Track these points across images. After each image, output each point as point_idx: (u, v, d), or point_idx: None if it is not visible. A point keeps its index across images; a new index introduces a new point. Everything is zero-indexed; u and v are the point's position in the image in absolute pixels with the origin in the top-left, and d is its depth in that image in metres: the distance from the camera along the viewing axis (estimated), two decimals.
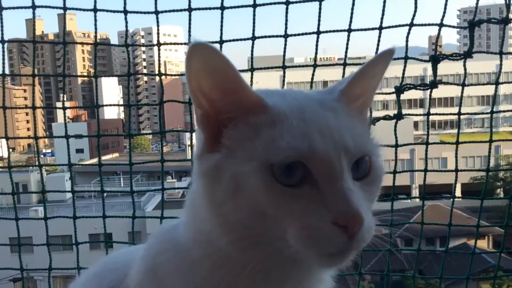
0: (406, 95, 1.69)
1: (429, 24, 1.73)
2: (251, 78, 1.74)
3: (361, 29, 1.77)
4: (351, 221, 0.65)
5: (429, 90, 1.70)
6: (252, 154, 0.69)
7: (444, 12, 1.68)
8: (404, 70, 1.68)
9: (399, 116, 1.66)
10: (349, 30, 1.71)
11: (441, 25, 1.67)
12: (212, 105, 0.72)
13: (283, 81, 1.88)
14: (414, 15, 1.67)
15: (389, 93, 1.71)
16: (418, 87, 1.69)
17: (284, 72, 1.83)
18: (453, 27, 1.79)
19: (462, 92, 1.73)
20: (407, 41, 1.66)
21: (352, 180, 0.69)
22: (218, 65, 0.69)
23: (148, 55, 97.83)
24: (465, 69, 1.71)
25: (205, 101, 0.72)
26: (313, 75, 1.80)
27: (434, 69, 1.64)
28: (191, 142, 1.90)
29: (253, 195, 0.67)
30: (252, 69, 1.76)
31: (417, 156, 38.99)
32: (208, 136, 0.73)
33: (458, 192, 35.82)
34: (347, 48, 1.76)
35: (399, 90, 1.64)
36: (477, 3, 1.66)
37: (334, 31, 1.79)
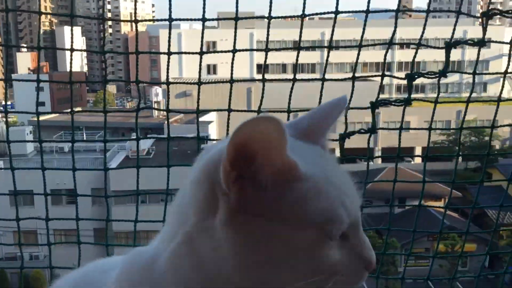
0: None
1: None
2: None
3: None
4: (374, 265, 0.80)
5: (403, 106, 1.74)
6: (306, 222, 0.73)
7: None
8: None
9: (373, 130, 1.71)
10: None
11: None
12: (250, 169, 0.73)
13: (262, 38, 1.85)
14: None
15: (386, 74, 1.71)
16: (394, 103, 1.73)
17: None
18: (431, 47, 1.86)
19: (438, 82, 1.75)
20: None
21: None
22: (277, 136, 0.70)
23: (113, 6, 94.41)
24: (438, 87, 1.75)
25: (245, 165, 0.72)
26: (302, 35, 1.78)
27: (409, 87, 1.68)
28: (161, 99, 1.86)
29: (310, 257, 0.74)
30: (235, 18, 1.72)
31: (381, 119, 39.73)
32: (236, 199, 0.73)
33: (418, 157, 36.88)
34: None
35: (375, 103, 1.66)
36: (454, 26, 1.69)
37: None
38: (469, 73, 1.83)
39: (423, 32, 1.73)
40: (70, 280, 0.94)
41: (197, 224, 0.76)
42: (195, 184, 0.76)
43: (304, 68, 43.76)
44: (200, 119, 1.85)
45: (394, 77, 1.98)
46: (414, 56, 1.79)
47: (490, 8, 1.60)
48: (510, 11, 1.62)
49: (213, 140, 2.25)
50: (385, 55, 1.96)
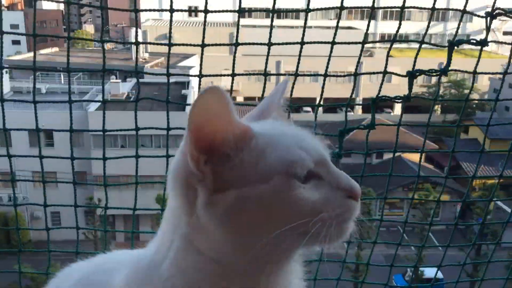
0: None
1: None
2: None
3: None
4: (358, 191, 0.85)
5: (402, 102, 1.75)
6: (271, 170, 0.80)
7: None
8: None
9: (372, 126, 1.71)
10: None
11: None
12: (214, 152, 0.81)
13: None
14: None
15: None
16: (394, 100, 1.72)
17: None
18: (434, 45, 1.81)
19: (439, 80, 1.72)
20: None
21: None
22: (222, 110, 0.78)
23: None
24: (439, 84, 1.72)
25: (209, 149, 0.80)
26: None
27: (410, 85, 1.67)
28: (137, 40, 1.81)
29: (286, 203, 0.80)
30: None
31: (364, 70, 39.66)
32: (211, 180, 0.81)
33: (398, 107, 37.22)
34: None
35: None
36: (458, 25, 1.73)
37: None
38: (469, 72, 1.82)
39: (426, 30, 1.72)
40: (73, 281, 0.99)
41: (189, 222, 0.83)
42: (172, 190, 0.84)
43: (288, 14, 42.92)
44: (181, 63, 1.81)
45: (395, 73, 1.95)
46: (417, 53, 1.76)
47: (494, 8, 1.59)
48: (431, 70, 1.65)
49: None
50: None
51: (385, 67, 1.78)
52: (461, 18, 1.73)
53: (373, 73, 1.90)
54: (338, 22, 1.78)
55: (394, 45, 1.77)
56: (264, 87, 1.78)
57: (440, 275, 17.32)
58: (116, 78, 26.09)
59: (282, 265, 0.87)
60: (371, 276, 2.09)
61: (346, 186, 0.85)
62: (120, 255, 1.04)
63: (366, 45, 1.80)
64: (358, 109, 40.25)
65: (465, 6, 1.70)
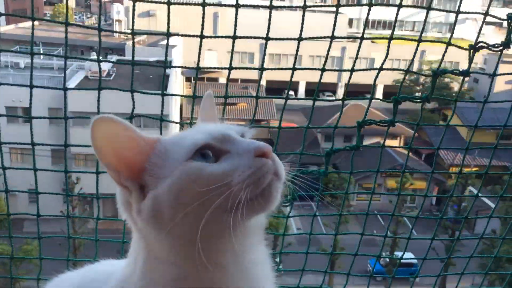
0: None
1: None
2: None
3: None
4: (265, 147, 0.87)
5: (387, 127, 1.77)
6: (174, 163, 0.87)
7: None
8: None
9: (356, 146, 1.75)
10: None
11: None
12: (130, 167, 0.89)
13: None
14: None
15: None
16: (378, 123, 1.77)
17: None
18: (418, 74, 1.83)
19: (422, 107, 1.73)
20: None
21: None
22: (121, 135, 0.88)
23: None
24: (421, 112, 1.74)
25: (124, 167, 0.89)
26: None
27: (395, 109, 1.71)
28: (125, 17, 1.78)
29: (197, 180, 0.84)
30: None
31: (347, 55, 39.76)
32: (137, 191, 0.89)
33: (380, 94, 37.50)
34: None
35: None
36: (443, 56, 1.81)
37: None
38: (451, 99, 1.86)
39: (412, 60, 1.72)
40: None
41: (137, 232, 0.93)
42: (120, 210, 0.95)
43: None
44: (163, 42, 1.79)
45: (382, 100, 2.00)
46: (402, 81, 1.84)
47: (478, 41, 1.64)
48: (497, 45, 1.66)
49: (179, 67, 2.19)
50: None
51: (374, 80, 1.82)
52: (446, 50, 1.80)
53: (372, 69, 1.91)
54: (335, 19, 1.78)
55: (378, 31, 1.78)
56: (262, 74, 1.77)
57: (414, 260, 17.74)
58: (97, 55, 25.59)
59: (236, 255, 0.89)
60: (347, 258, 2.13)
61: (249, 146, 0.88)
62: (106, 265, 1.10)
63: (351, 30, 1.80)
64: (340, 94, 40.46)
65: (450, 38, 1.76)
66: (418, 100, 1.68)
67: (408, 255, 18.63)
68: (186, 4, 1.95)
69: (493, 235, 16.02)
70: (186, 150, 0.87)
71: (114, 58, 26.77)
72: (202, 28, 1.65)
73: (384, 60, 1.74)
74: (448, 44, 1.73)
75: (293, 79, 1.74)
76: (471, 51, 1.64)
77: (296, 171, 1.60)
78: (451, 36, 1.74)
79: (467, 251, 2.04)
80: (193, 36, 1.69)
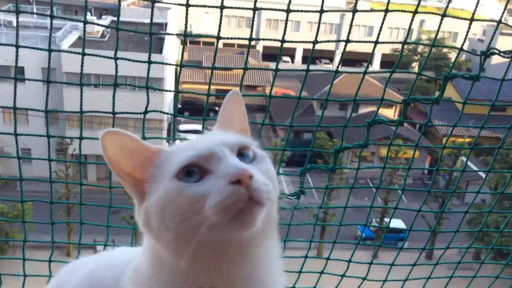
0: None
1: None
2: None
3: None
4: (240, 174, 0.85)
5: (396, 126, 1.78)
6: (164, 178, 0.91)
7: None
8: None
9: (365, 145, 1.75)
10: None
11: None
12: (135, 175, 0.96)
13: None
14: None
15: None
16: (388, 123, 1.80)
17: None
18: (428, 76, 1.85)
19: (430, 110, 1.70)
20: None
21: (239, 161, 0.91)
22: (128, 145, 0.95)
23: None
24: (429, 115, 1.68)
25: (128, 176, 0.96)
26: None
27: (404, 111, 1.72)
28: None
29: (174, 200, 0.88)
30: None
31: (346, 22, 39.22)
32: (138, 198, 0.96)
33: (377, 62, 37.26)
34: None
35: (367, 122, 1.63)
36: (454, 61, 1.90)
37: None
38: (460, 102, 1.87)
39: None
40: (78, 277, 1.09)
41: (146, 239, 0.98)
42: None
43: None
44: (160, 4, 1.76)
45: (391, 100, 2.12)
46: (412, 84, 1.84)
47: (489, 47, 1.65)
48: (507, 52, 1.67)
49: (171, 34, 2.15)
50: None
51: (383, 93, 1.80)
52: (458, 55, 1.83)
53: (367, 41, 1.88)
54: None
55: None
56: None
57: (403, 225, 18.07)
58: (91, 15, 25.17)
59: (226, 263, 0.91)
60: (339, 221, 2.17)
61: (228, 172, 0.86)
62: (121, 254, 1.14)
63: None
64: (337, 62, 40.06)
65: (462, 44, 1.77)
66: (427, 102, 1.69)
67: (398, 222, 18.96)
68: None
69: (483, 204, 16.27)
70: (173, 167, 0.91)
71: (108, 19, 26.31)
72: None
73: (379, 33, 1.73)
74: (443, 16, 1.71)
75: (290, 46, 1.72)
76: (482, 57, 1.66)
77: (305, 167, 1.63)
78: (447, 7, 1.73)
79: (456, 219, 2.08)
80: (180, 4, 1.66)
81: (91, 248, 18.03)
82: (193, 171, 0.89)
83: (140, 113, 1.69)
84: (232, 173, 0.85)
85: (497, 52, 1.63)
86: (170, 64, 1.81)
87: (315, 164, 1.71)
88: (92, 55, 1.68)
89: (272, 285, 0.97)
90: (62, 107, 21.39)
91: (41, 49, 1.76)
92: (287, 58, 39.79)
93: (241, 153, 0.95)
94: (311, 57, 1.80)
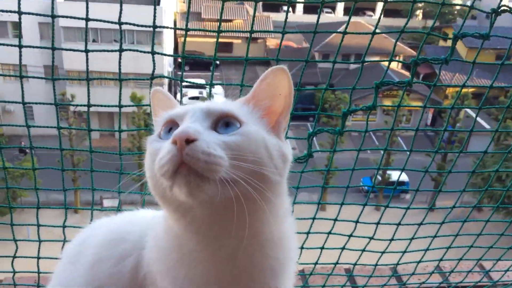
0: None
1: None
2: None
3: None
4: (179, 137, 0.81)
5: (404, 88, 1.76)
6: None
7: None
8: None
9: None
10: None
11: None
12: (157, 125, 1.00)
13: None
14: None
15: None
16: (396, 84, 1.74)
17: None
18: (438, 36, 1.72)
19: (440, 68, 1.61)
20: None
21: (208, 130, 0.88)
22: (163, 100, 1.07)
23: None
24: (438, 75, 1.60)
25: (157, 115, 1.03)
26: None
27: (413, 71, 1.66)
28: None
29: (147, 156, 0.94)
30: None
31: None
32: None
33: (380, 10, 36.44)
34: None
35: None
36: (464, 21, 1.79)
37: None
38: (469, 62, 1.80)
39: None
40: (103, 232, 1.13)
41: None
42: None
43: None
44: None
45: (400, 61, 2.24)
46: (421, 45, 1.80)
47: (500, 5, 1.58)
48: (434, 58, 1.63)
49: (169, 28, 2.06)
50: None
51: (391, 56, 1.77)
52: (467, 13, 1.77)
53: (371, 0, 1.81)
54: None
55: None
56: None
57: (406, 178, 18.23)
58: None
59: (218, 233, 0.91)
60: (340, 177, 2.17)
61: (174, 133, 0.84)
62: (143, 213, 1.18)
63: None
64: (340, 12, 39.33)
65: (473, 2, 1.73)
66: (437, 62, 1.65)
67: (401, 175, 19.15)
68: None
69: (486, 156, 16.28)
70: (160, 122, 0.97)
71: None
72: None
73: None
74: (471, 8, 1.70)
75: None
76: (493, 15, 1.60)
77: (313, 131, 1.63)
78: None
79: (458, 169, 2.07)
80: None
81: (98, 204, 18.37)
82: (171, 128, 0.93)
83: (146, 79, 1.67)
84: (175, 133, 0.82)
85: (509, 9, 1.58)
86: (171, 55, 1.74)
87: (322, 128, 1.70)
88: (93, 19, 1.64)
89: (278, 261, 0.98)
90: (61, 63, 21.17)
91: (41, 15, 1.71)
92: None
93: (226, 122, 0.91)
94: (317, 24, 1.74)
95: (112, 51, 1.62)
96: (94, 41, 22.23)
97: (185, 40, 1.65)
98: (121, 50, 1.57)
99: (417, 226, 2.07)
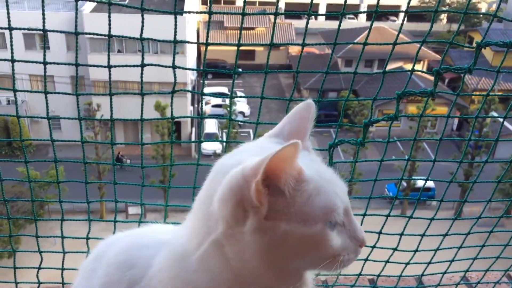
0: None
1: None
2: None
3: None
4: (365, 242, 0.97)
5: (426, 98, 1.73)
6: (313, 218, 0.89)
7: None
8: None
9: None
10: None
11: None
12: (273, 184, 0.87)
13: None
14: None
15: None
16: (418, 94, 1.74)
17: None
18: (462, 45, 1.72)
19: (463, 78, 1.61)
20: None
21: None
22: (293, 159, 0.86)
23: None
24: (462, 82, 1.58)
25: (270, 183, 0.87)
26: None
27: (435, 82, 1.67)
28: None
29: (319, 247, 0.91)
30: None
31: None
32: (266, 209, 0.88)
33: (401, 16, 36.08)
34: None
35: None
36: (486, 32, 1.80)
37: None
38: (493, 71, 1.79)
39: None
40: (114, 252, 1.08)
41: (225, 232, 0.90)
42: (221, 202, 0.88)
43: None
44: None
45: (422, 71, 1.97)
46: (444, 54, 1.77)
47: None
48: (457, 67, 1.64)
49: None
50: None
51: (413, 66, 1.75)
52: (491, 21, 1.75)
53: (393, 10, 1.80)
54: None
55: None
56: None
57: (432, 184, 17.94)
58: None
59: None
60: (364, 183, 2.15)
61: (361, 238, 0.96)
62: (158, 233, 1.11)
63: None
64: (362, 17, 39.14)
65: (496, 11, 1.69)
66: (460, 71, 1.63)
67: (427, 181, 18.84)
68: None
69: None
70: (328, 212, 0.91)
71: None
72: None
73: None
74: (494, 16, 1.67)
75: (314, 1, 1.66)
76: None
77: (334, 142, 1.63)
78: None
79: (485, 177, 2.03)
80: None
81: (123, 212, 18.61)
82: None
83: (168, 93, 1.69)
84: (362, 239, 0.96)
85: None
86: (192, 69, 1.76)
87: (344, 139, 1.69)
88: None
89: None
90: (87, 73, 21.57)
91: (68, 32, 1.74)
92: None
93: None
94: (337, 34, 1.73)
95: (134, 66, 1.64)
96: (119, 51, 22.59)
97: (205, 54, 1.67)
98: (142, 65, 1.60)
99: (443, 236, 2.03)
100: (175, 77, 1.66)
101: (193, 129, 24.82)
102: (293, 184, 0.88)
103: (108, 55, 1.64)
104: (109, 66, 1.62)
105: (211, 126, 24.21)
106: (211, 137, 22.57)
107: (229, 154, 0.97)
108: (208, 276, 0.94)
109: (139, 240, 1.12)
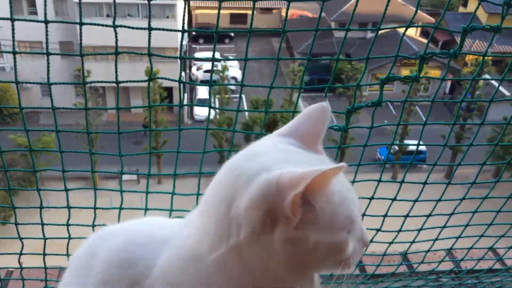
0: None
1: None
2: None
3: None
4: (368, 245, 0.99)
5: (410, 83, 1.71)
6: (338, 227, 0.91)
7: None
8: None
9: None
10: None
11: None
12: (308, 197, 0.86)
13: None
14: None
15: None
16: (403, 79, 1.71)
17: None
18: (449, 30, 1.66)
19: (448, 62, 1.55)
20: None
21: None
22: (331, 177, 0.86)
23: None
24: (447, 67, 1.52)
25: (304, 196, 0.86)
26: None
27: (420, 66, 1.64)
28: None
29: (338, 252, 0.92)
30: None
31: None
32: (296, 220, 0.87)
33: None
34: None
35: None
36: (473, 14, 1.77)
37: None
38: (480, 55, 1.80)
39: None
40: (109, 247, 1.04)
41: (249, 237, 0.87)
42: (249, 209, 0.86)
43: None
44: None
45: (407, 56, 2.02)
46: (430, 37, 1.75)
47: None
48: (443, 51, 1.60)
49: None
50: None
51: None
52: (478, 6, 1.72)
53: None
54: None
55: None
56: None
57: (423, 147, 18.08)
58: None
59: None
60: (356, 148, 2.16)
61: (366, 241, 0.98)
62: (158, 228, 1.07)
63: None
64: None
65: None
66: (444, 56, 1.61)
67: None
68: None
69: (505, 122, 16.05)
70: (350, 222, 0.93)
71: None
72: None
73: None
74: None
75: None
76: (505, 6, 1.54)
77: (353, 106, 1.62)
78: None
79: (477, 139, 2.05)
80: None
81: (116, 178, 18.61)
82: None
83: (145, 81, 1.70)
84: (366, 241, 0.97)
85: None
86: (175, 30, 1.72)
87: (362, 104, 1.70)
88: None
89: None
90: (76, 38, 21.17)
91: None
92: None
93: None
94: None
95: (140, 28, 1.63)
96: (108, 16, 22.14)
97: (184, 12, 1.63)
98: (150, 29, 1.56)
99: (435, 202, 2.07)
100: (151, 64, 1.63)
101: (185, 94, 24.66)
102: (325, 198, 0.89)
103: (114, 17, 1.61)
104: (115, 26, 1.60)
105: (203, 91, 24.08)
106: (204, 103, 22.48)
107: (243, 156, 0.92)
108: (225, 278, 0.93)
109: (137, 236, 1.07)
